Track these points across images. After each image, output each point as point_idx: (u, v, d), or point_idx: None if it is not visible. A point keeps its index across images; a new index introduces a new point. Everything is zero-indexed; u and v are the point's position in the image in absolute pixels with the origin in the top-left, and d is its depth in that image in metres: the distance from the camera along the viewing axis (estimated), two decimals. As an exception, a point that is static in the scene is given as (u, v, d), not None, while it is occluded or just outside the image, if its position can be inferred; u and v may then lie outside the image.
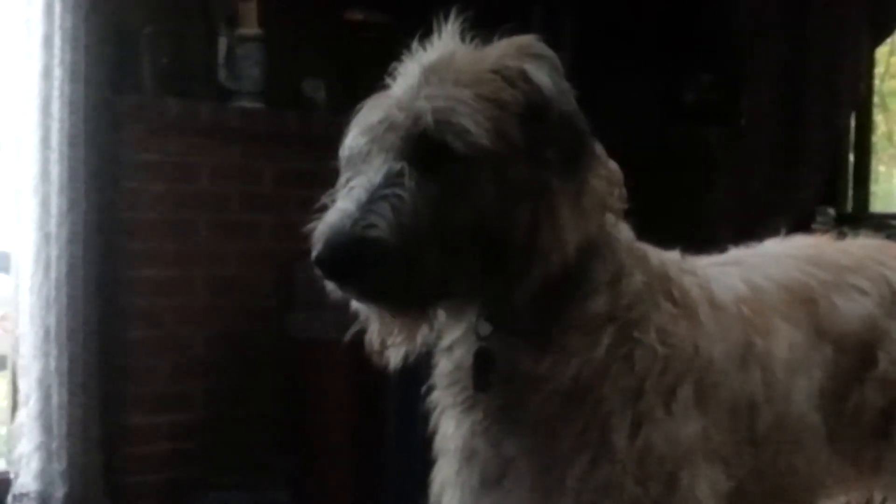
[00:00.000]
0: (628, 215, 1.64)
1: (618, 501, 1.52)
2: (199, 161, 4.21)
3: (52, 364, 3.77)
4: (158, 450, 4.09)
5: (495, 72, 1.51)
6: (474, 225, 1.48)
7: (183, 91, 4.14)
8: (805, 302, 1.79)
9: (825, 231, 2.32)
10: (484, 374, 1.58)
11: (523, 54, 1.53)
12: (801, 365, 1.74)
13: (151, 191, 4.08)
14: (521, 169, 1.49)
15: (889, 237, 2.07)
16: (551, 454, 1.55)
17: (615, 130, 1.69)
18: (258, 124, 4.32)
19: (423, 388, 1.71)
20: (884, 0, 4.58)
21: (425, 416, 1.71)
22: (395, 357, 1.58)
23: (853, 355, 1.80)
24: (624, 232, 1.64)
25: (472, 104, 1.47)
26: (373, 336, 1.56)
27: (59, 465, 3.77)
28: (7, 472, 3.87)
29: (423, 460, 1.74)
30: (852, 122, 4.80)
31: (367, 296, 1.50)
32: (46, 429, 3.77)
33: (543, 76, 1.50)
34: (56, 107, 3.77)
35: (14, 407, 3.90)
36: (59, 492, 3.77)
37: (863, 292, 1.84)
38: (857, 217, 4.66)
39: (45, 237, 3.78)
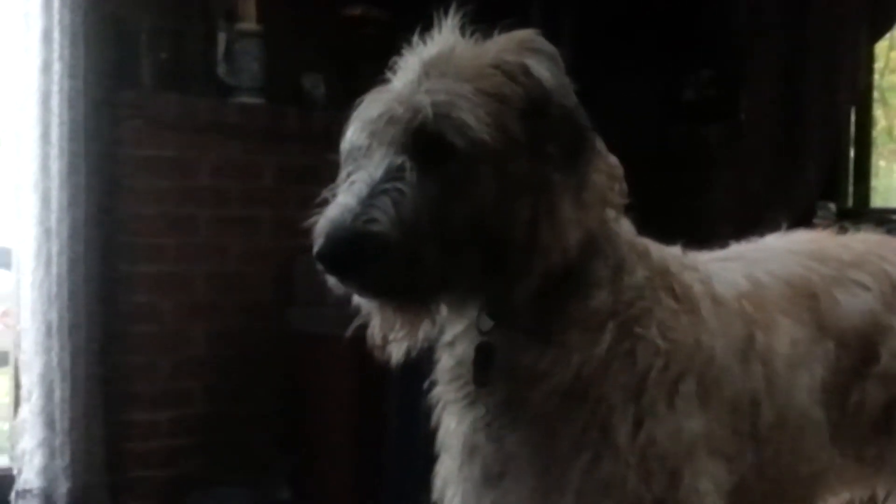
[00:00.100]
0: (629, 211, 1.64)
1: (620, 497, 1.52)
2: (199, 157, 4.21)
3: (55, 360, 3.77)
4: (159, 446, 4.10)
5: (496, 66, 1.51)
6: (475, 219, 1.48)
7: (182, 87, 4.14)
8: (806, 297, 1.78)
9: (826, 226, 2.32)
10: (485, 369, 1.58)
11: (524, 49, 1.52)
12: (802, 360, 1.74)
13: (151, 187, 4.08)
14: (521, 164, 1.49)
15: (890, 232, 2.06)
16: (553, 450, 1.55)
17: (615, 127, 1.69)
18: (258, 120, 4.31)
19: (425, 384, 1.70)
20: (882, -4, 4.58)
21: (427, 412, 1.71)
22: (396, 352, 1.58)
23: (855, 350, 1.80)
24: (625, 227, 1.64)
25: (473, 98, 1.47)
26: (374, 331, 1.56)
27: (61, 462, 3.77)
28: (10, 469, 3.87)
29: (424, 456, 1.74)
30: (852, 118, 4.79)
31: (368, 290, 1.50)
32: (49, 425, 3.78)
33: (544, 70, 1.50)
34: (55, 102, 3.77)
35: (16, 403, 3.90)
36: (62, 488, 3.77)
37: (864, 287, 1.84)
38: (858, 212, 4.66)
39: (46, 233, 3.78)
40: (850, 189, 4.85)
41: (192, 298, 4.19)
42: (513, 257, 1.51)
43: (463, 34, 1.58)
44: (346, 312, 1.57)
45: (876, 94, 5.00)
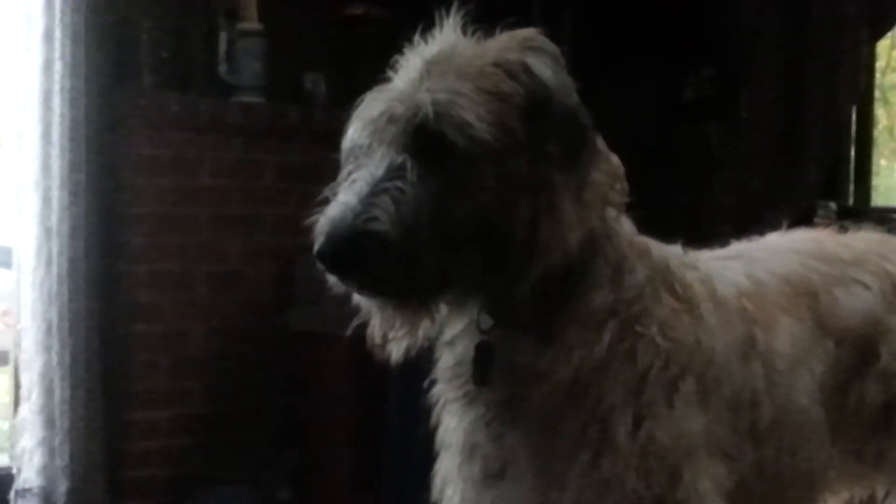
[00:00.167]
0: (630, 210, 1.64)
1: (620, 496, 1.52)
2: (200, 155, 4.21)
3: (55, 359, 3.77)
4: (159, 445, 4.09)
5: (497, 65, 1.51)
6: (475, 218, 1.48)
7: (183, 86, 4.14)
8: (807, 296, 1.79)
9: (827, 225, 2.32)
10: (485, 368, 1.58)
11: (525, 47, 1.52)
12: (802, 359, 1.74)
13: (152, 185, 4.08)
14: (522, 162, 1.49)
15: (890, 231, 2.06)
16: (553, 448, 1.56)
17: (615, 126, 1.69)
18: (259, 119, 4.31)
19: (425, 383, 1.70)
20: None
21: (427, 411, 1.71)
22: (396, 351, 1.58)
23: (855, 349, 1.80)
24: (625, 226, 1.64)
25: (474, 97, 1.47)
26: (374, 330, 1.56)
27: (61, 461, 3.77)
28: (10, 468, 3.87)
29: (424, 455, 1.74)
30: (853, 117, 4.79)
31: (368, 289, 1.50)
32: (49, 424, 3.78)
33: (545, 69, 1.50)
34: (57, 101, 3.77)
35: (16, 402, 3.90)
36: (62, 487, 3.77)
37: (864, 286, 1.84)
38: (859, 211, 4.65)
39: (47, 232, 3.78)
40: (851, 188, 4.85)
41: (193, 297, 4.19)
42: (513, 256, 1.51)
43: (464, 33, 1.58)
44: (347, 311, 1.57)
45: (877, 93, 5.00)
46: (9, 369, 4.06)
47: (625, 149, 1.66)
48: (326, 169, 1.62)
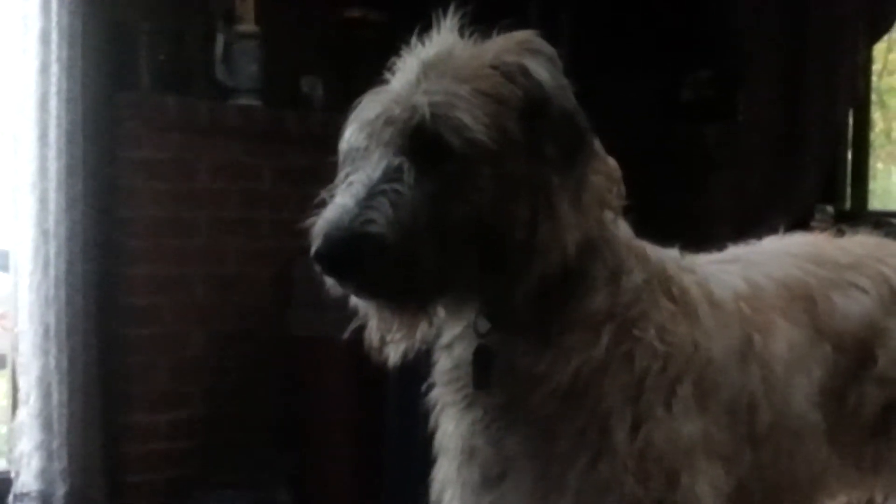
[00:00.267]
0: (627, 212, 1.64)
1: (618, 499, 1.52)
2: (198, 158, 4.21)
3: (52, 362, 3.76)
4: (158, 448, 4.09)
5: (494, 67, 1.51)
6: (473, 221, 1.48)
7: (181, 88, 4.14)
8: (804, 300, 1.78)
9: (824, 229, 2.32)
10: (483, 371, 1.58)
11: (522, 50, 1.52)
12: (800, 363, 1.73)
13: (150, 188, 4.08)
14: (519, 164, 1.49)
15: (888, 235, 2.06)
16: (551, 452, 1.55)
17: (613, 128, 1.69)
18: (256, 122, 4.31)
19: (423, 386, 1.70)
20: (881, -3, 4.58)
21: (425, 414, 1.71)
22: (394, 354, 1.58)
23: (852, 353, 1.80)
24: (623, 229, 1.63)
25: (471, 99, 1.47)
26: (372, 332, 1.56)
27: (59, 464, 3.77)
28: (8, 472, 3.87)
29: (423, 458, 1.73)
30: (850, 120, 4.79)
31: (365, 291, 1.50)
32: (47, 427, 3.77)
33: (543, 71, 1.50)
34: (54, 103, 3.77)
35: (14, 405, 3.89)
36: (60, 490, 3.77)
37: (862, 290, 1.84)
38: (856, 214, 4.65)
39: (44, 234, 3.77)
40: (848, 191, 4.85)
41: (191, 300, 4.19)
42: (511, 258, 1.50)
43: (461, 35, 1.58)
44: (345, 314, 1.57)
45: (874, 97, 5.01)
46: (6, 373, 4.06)
47: (622, 150, 1.66)
48: (324, 171, 1.62)
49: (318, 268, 1.47)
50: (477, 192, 1.47)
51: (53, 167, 3.76)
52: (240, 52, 4.24)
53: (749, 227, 2.09)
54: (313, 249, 1.47)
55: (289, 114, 4.39)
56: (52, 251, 3.76)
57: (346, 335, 1.60)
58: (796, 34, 4.64)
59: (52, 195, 3.76)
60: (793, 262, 1.84)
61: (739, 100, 4.80)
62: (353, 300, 1.54)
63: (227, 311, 4.27)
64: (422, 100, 1.48)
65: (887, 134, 5.41)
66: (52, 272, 3.76)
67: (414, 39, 1.58)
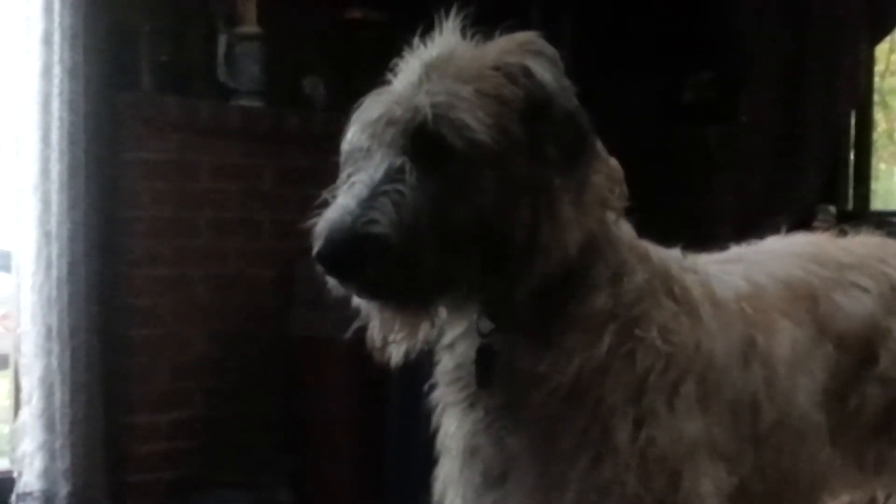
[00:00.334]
0: (629, 213, 1.64)
1: (620, 499, 1.52)
2: (199, 159, 4.21)
3: (55, 363, 3.76)
4: (160, 449, 4.09)
5: (496, 68, 1.51)
6: (475, 221, 1.48)
7: (182, 89, 4.15)
8: (806, 299, 1.78)
9: (826, 229, 2.32)
10: (486, 371, 1.58)
11: (524, 51, 1.52)
12: (802, 363, 1.74)
13: (151, 189, 4.08)
14: (521, 165, 1.49)
15: (890, 235, 2.06)
16: (553, 452, 1.55)
17: (615, 129, 1.69)
18: (258, 122, 4.32)
19: (425, 386, 1.70)
20: (882, -2, 4.58)
21: (427, 414, 1.71)
22: (396, 354, 1.58)
23: (854, 353, 1.80)
24: (625, 229, 1.64)
25: (473, 100, 1.47)
26: (374, 333, 1.56)
27: (62, 464, 3.77)
28: (10, 472, 3.87)
29: (424, 458, 1.73)
30: (852, 120, 4.79)
31: (367, 292, 1.50)
32: (49, 427, 3.77)
33: (545, 72, 1.50)
34: (56, 105, 3.77)
35: (17, 406, 3.90)
36: (63, 490, 3.77)
37: (864, 290, 1.84)
38: (858, 215, 4.65)
39: (46, 235, 3.78)
40: (850, 192, 4.85)
41: (192, 301, 4.19)
42: (513, 259, 1.51)
43: (463, 36, 1.58)
44: (347, 314, 1.57)
45: (876, 97, 5.00)
46: (9, 373, 4.06)
47: (624, 151, 1.66)
48: (326, 172, 1.62)
49: (320, 268, 1.48)
50: (479, 192, 1.48)
51: (56, 168, 3.77)
52: (241, 53, 4.25)
53: (750, 227, 2.09)
54: (315, 250, 1.47)
55: (290, 114, 4.39)
56: (55, 252, 3.77)
57: (347, 335, 1.60)
58: (797, 35, 4.64)
59: (55, 196, 3.77)
60: (795, 262, 1.84)
61: (741, 101, 4.80)
62: (355, 301, 1.54)
63: (228, 312, 4.27)
64: (424, 100, 1.48)
65: (890, 134, 5.41)
66: (54, 273, 3.77)
67: (416, 40, 1.58)
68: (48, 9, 3.76)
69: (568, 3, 4.78)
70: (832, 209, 4.57)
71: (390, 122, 1.50)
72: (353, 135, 1.55)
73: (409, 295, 1.50)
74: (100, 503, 3.86)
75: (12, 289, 3.89)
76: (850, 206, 4.82)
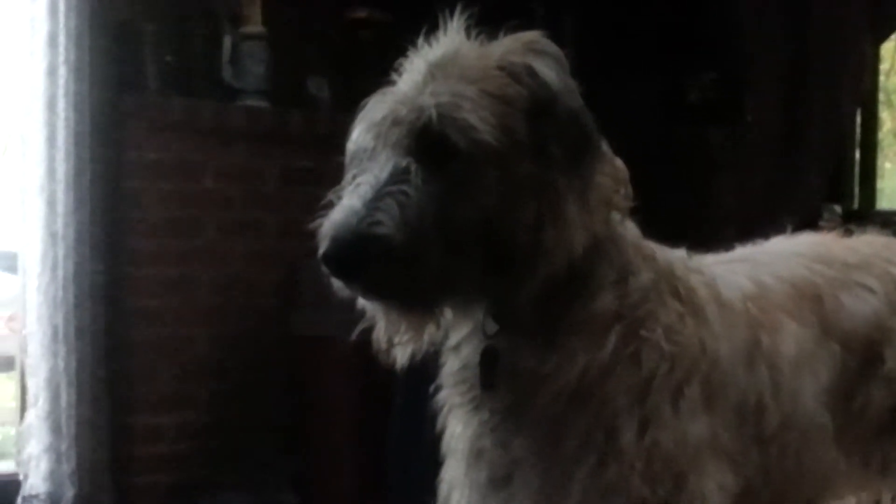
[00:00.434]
0: (634, 213, 1.64)
1: (625, 500, 1.52)
2: (204, 160, 4.21)
3: (61, 364, 3.76)
4: (165, 451, 4.09)
5: (501, 68, 1.51)
6: (479, 222, 1.48)
7: (187, 90, 4.15)
8: (812, 300, 1.78)
9: (831, 228, 2.31)
10: (491, 372, 1.58)
11: (529, 50, 1.52)
12: (808, 363, 1.73)
13: (156, 190, 4.08)
14: (526, 166, 1.49)
15: (895, 234, 2.05)
16: (558, 453, 1.55)
17: (618, 130, 1.69)
18: (262, 123, 4.32)
19: (430, 388, 1.70)
20: None
21: (431, 416, 1.70)
22: (401, 356, 1.58)
23: (860, 353, 1.79)
24: (630, 230, 1.63)
25: (478, 100, 1.47)
26: (379, 334, 1.56)
27: (68, 467, 3.77)
28: (16, 474, 3.87)
29: (429, 460, 1.73)
30: (858, 119, 4.79)
31: (372, 293, 1.50)
32: (55, 430, 3.77)
33: (549, 72, 1.50)
34: (61, 105, 3.77)
35: (22, 408, 3.90)
36: (69, 493, 3.77)
37: (870, 290, 1.83)
38: (864, 214, 4.65)
39: (52, 236, 3.78)
40: (856, 191, 4.85)
41: (197, 302, 4.19)
42: (517, 259, 1.50)
43: (468, 36, 1.58)
44: (352, 316, 1.57)
45: (881, 96, 5.01)
46: (15, 375, 4.07)
47: (627, 152, 1.66)
48: (330, 173, 1.62)
49: (325, 269, 1.47)
50: (483, 192, 1.47)
51: (61, 169, 3.77)
52: (246, 54, 4.25)
53: (754, 227, 2.09)
54: (321, 251, 1.47)
55: (294, 115, 4.39)
56: (61, 253, 3.77)
57: (352, 337, 1.60)
58: (800, 36, 4.64)
59: (60, 197, 3.77)
60: (800, 261, 1.83)
61: (745, 101, 4.79)
62: (361, 302, 1.54)
63: (232, 312, 4.27)
64: (428, 101, 1.48)
65: (895, 133, 5.41)
66: (60, 274, 3.77)
67: (420, 40, 1.58)
68: (53, 10, 3.76)
69: (571, 4, 4.78)
70: (838, 208, 4.57)
71: (395, 122, 1.50)
72: (358, 135, 1.55)
73: (415, 296, 1.49)
74: (105, 505, 3.87)
75: (18, 290, 3.90)
76: (856, 205, 4.82)
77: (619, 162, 1.61)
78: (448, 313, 1.58)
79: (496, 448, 1.60)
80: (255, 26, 4.26)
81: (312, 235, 1.50)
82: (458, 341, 1.64)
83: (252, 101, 4.27)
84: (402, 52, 1.59)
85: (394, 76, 1.58)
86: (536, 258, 1.51)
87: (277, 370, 4.33)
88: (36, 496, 3.79)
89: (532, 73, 1.50)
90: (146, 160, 4.06)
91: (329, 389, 4.18)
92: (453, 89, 1.48)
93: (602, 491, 1.52)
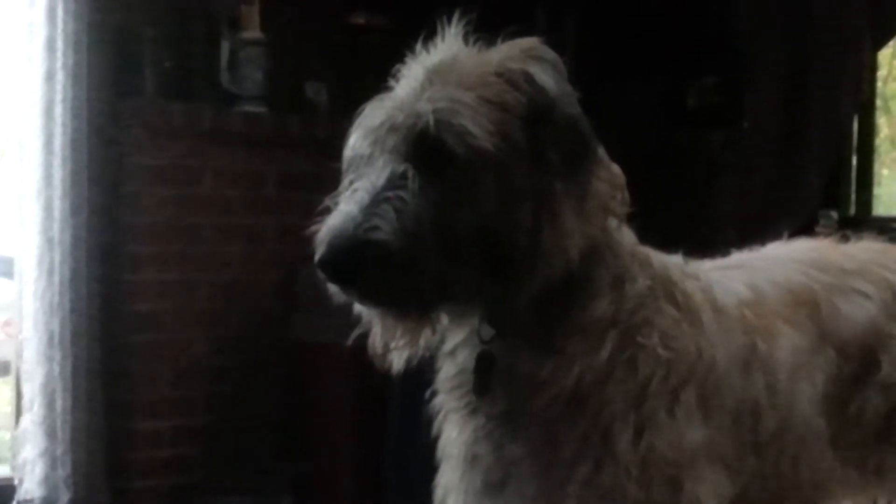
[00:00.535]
0: (631, 219, 1.64)
1: (621, 506, 1.52)
2: (202, 164, 4.21)
3: (56, 369, 3.76)
4: (162, 455, 4.09)
5: (499, 74, 1.51)
6: (477, 227, 1.48)
7: (185, 95, 4.15)
8: (808, 305, 1.78)
9: (828, 234, 2.31)
10: (486, 377, 1.58)
11: (527, 57, 1.52)
12: (804, 369, 1.73)
13: (154, 194, 4.09)
14: (523, 171, 1.49)
15: (892, 240, 2.05)
16: (554, 458, 1.55)
17: (618, 134, 1.69)
18: (261, 128, 4.32)
19: (427, 392, 1.70)
20: (885, 3, 4.58)
21: (428, 420, 1.71)
22: (397, 360, 1.58)
23: (856, 359, 1.79)
24: (626, 236, 1.63)
25: (475, 106, 1.47)
26: (375, 339, 1.56)
27: (63, 471, 3.76)
28: (11, 479, 3.87)
29: (426, 464, 1.73)
30: (855, 125, 4.79)
31: (369, 298, 1.50)
32: (51, 434, 3.77)
33: (547, 79, 1.50)
34: (59, 111, 3.77)
35: (18, 413, 3.89)
36: (64, 497, 3.76)
37: (866, 296, 1.83)
38: (860, 220, 4.66)
39: (49, 241, 3.78)
40: (853, 197, 4.85)
41: (195, 306, 4.19)
42: (514, 265, 1.50)
43: (466, 42, 1.58)
44: (349, 321, 1.57)
45: (878, 102, 5.01)
46: (10, 380, 4.06)
47: (627, 156, 1.66)
48: (328, 178, 1.62)
49: (322, 275, 1.48)
50: (480, 198, 1.48)
51: (58, 174, 3.77)
52: (244, 59, 4.25)
53: (754, 229, 2.09)
54: (317, 256, 1.47)
55: (293, 120, 4.40)
56: (57, 258, 3.77)
57: (349, 342, 1.60)
58: (800, 40, 4.64)
59: (57, 202, 3.77)
60: (797, 267, 1.83)
61: (744, 106, 4.80)
62: (357, 307, 1.54)
63: (231, 317, 4.27)
64: (426, 107, 1.48)
65: (892, 140, 5.42)
66: (56, 279, 3.77)
67: (418, 46, 1.58)
68: (51, 15, 3.76)
69: (571, 9, 4.79)
70: (834, 214, 4.57)
71: (392, 128, 1.50)
72: (356, 141, 1.55)
73: (411, 301, 1.49)
74: (101, 510, 3.86)
75: (14, 295, 3.90)
76: (853, 211, 4.83)
77: (616, 168, 1.62)
78: (444, 318, 1.58)
79: (492, 453, 1.60)
80: (253, 31, 4.27)
81: (310, 240, 1.51)
82: (453, 346, 1.64)
83: (250, 107, 4.28)
84: (400, 57, 1.60)
85: (392, 82, 1.58)
86: (533, 263, 1.51)
87: (276, 373, 4.33)
88: (31, 501, 3.79)
89: (530, 79, 1.50)
90: (144, 165, 4.06)
91: (328, 392, 4.18)
92: (451, 95, 1.48)
93: (598, 496, 1.52)
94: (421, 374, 1.66)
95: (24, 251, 3.82)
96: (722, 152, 4.85)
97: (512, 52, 1.54)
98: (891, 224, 4.47)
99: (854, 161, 4.86)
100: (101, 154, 3.89)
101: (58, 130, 3.77)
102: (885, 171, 5.27)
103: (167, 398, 4.12)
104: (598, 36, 4.74)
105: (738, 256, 1.89)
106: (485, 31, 1.59)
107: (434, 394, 1.70)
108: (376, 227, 1.44)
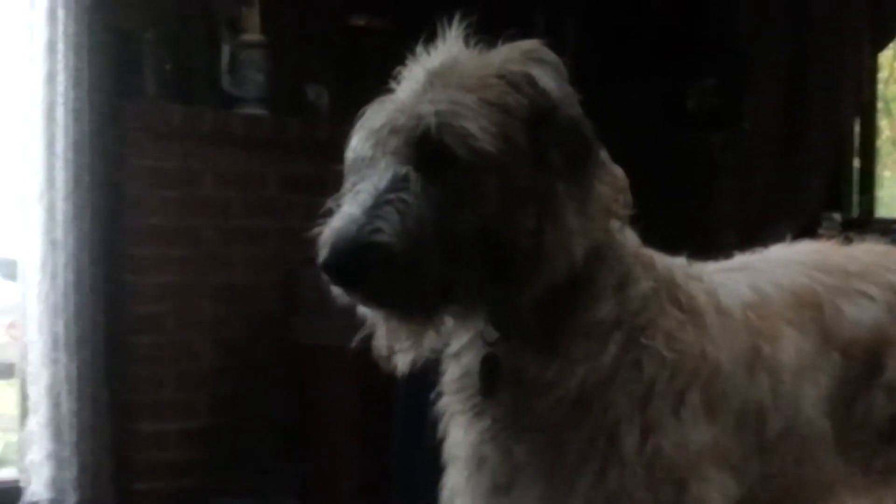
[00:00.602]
0: (633, 221, 1.64)
1: (627, 507, 1.52)
2: (203, 167, 4.21)
3: (62, 372, 3.76)
4: (166, 457, 4.09)
5: (500, 76, 1.51)
6: (479, 229, 1.48)
7: (186, 97, 4.15)
8: (812, 308, 1.78)
9: (831, 236, 2.31)
10: (490, 379, 1.58)
11: (528, 59, 1.53)
12: (808, 371, 1.73)
13: (156, 197, 4.09)
14: (525, 174, 1.49)
15: (895, 242, 2.05)
16: (560, 461, 1.55)
17: (618, 136, 1.69)
18: (261, 130, 4.32)
19: (431, 395, 1.70)
20: (885, 4, 4.58)
21: (433, 423, 1.71)
22: (402, 363, 1.58)
23: (860, 361, 1.79)
24: (629, 238, 1.63)
25: (477, 108, 1.48)
26: (379, 341, 1.56)
27: (70, 473, 3.77)
28: (18, 481, 3.87)
29: (430, 467, 1.73)
30: (857, 127, 4.79)
31: (372, 300, 1.50)
32: (57, 436, 3.77)
33: (549, 80, 1.50)
34: (60, 113, 3.77)
35: (24, 415, 3.89)
36: (71, 499, 3.77)
37: (869, 298, 1.83)
38: (863, 222, 4.65)
39: (52, 244, 3.78)
40: (855, 199, 4.85)
41: (198, 309, 4.19)
42: (517, 267, 1.50)
43: (467, 44, 1.58)
44: (352, 323, 1.57)
45: (880, 104, 5.01)
46: (16, 382, 4.06)
47: (628, 158, 1.66)
48: (330, 180, 1.62)
49: (325, 277, 1.48)
50: (483, 200, 1.48)
51: (60, 177, 3.77)
52: (245, 61, 4.25)
53: (754, 233, 2.09)
54: (321, 259, 1.47)
55: (294, 122, 4.40)
56: (60, 261, 3.77)
57: (352, 344, 1.60)
58: (800, 42, 4.64)
59: (60, 205, 3.77)
60: (800, 269, 1.83)
61: (744, 108, 4.80)
62: (361, 309, 1.54)
63: (233, 319, 4.27)
64: (427, 109, 1.48)
65: (894, 142, 5.41)
66: (60, 281, 3.77)
67: (419, 48, 1.58)
68: (52, 17, 3.77)
69: (571, 11, 4.79)
70: (837, 217, 4.57)
71: (394, 130, 1.50)
72: (357, 143, 1.55)
73: (414, 303, 1.50)
74: (107, 512, 3.86)
75: (18, 298, 3.90)
76: (855, 213, 4.82)
77: (618, 170, 1.62)
78: (448, 321, 1.58)
79: (497, 455, 1.60)
80: (254, 34, 4.27)
81: (312, 242, 1.51)
82: (458, 348, 1.64)
83: (251, 109, 4.28)
84: (401, 59, 1.60)
85: (393, 84, 1.58)
86: (536, 265, 1.51)
87: (279, 376, 4.33)
88: (38, 503, 3.79)
89: (531, 81, 1.50)
90: (145, 167, 4.06)
91: (329, 394, 4.18)
92: (452, 97, 1.48)
93: (604, 497, 1.52)
94: (425, 376, 1.66)
95: (27, 254, 3.82)
96: (722, 154, 4.86)
97: (513, 54, 1.54)
98: (893, 226, 4.47)
99: (856, 163, 4.86)
100: (102, 156, 3.89)
101: (59, 132, 3.77)
102: (887, 174, 5.27)
103: (170, 400, 4.12)
104: (599, 38, 4.75)
105: (741, 258, 1.89)
106: (485, 32, 1.60)
107: (439, 396, 1.70)
108: (379, 230, 1.44)
